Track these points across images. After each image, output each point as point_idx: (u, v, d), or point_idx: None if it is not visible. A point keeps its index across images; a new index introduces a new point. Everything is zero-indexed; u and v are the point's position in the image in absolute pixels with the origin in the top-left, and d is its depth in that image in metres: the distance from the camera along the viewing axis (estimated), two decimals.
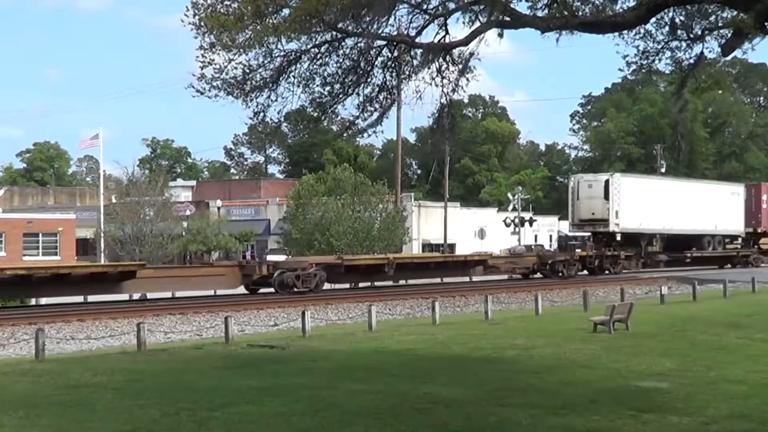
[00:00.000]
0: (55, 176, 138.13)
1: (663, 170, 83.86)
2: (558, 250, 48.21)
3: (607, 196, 47.31)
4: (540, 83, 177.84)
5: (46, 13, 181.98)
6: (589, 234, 53.33)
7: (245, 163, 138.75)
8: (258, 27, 14.04)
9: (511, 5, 14.51)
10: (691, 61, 15.97)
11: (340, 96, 15.36)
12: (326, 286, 36.62)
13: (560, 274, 44.41)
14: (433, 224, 73.95)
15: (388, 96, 15.78)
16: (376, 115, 15.74)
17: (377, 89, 15.56)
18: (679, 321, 25.41)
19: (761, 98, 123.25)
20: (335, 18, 14.14)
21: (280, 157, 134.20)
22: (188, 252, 67.18)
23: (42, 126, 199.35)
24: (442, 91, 15.66)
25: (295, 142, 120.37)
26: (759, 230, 57.30)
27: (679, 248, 52.25)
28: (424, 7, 14.85)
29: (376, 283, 40.05)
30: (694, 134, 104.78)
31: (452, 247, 72.03)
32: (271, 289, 34.65)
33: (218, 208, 76.75)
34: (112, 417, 12.81)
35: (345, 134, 18.43)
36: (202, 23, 14.16)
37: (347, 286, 39.52)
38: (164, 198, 68.64)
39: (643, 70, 17.44)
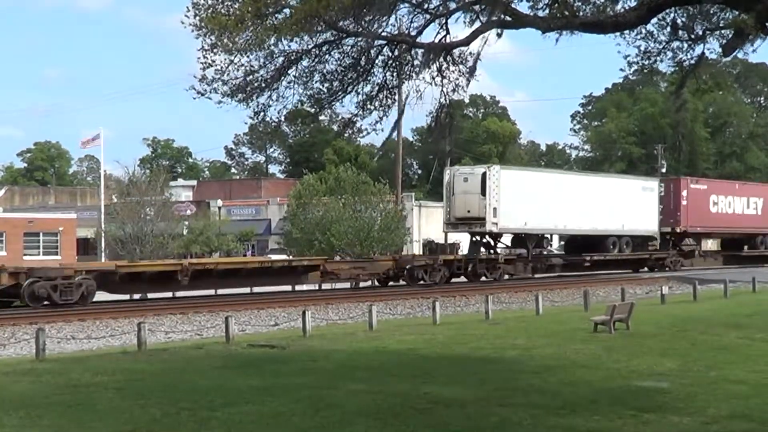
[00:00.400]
0: (55, 176, 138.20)
1: (664, 170, 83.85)
2: (429, 253, 41.41)
3: (484, 192, 40.88)
4: (541, 83, 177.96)
5: (46, 13, 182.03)
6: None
7: (246, 162, 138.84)
8: (258, 28, 14.04)
9: (512, 5, 14.51)
10: (692, 61, 15.98)
11: (339, 93, 15.37)
12: (99, 297, 30.62)
13: (421, 281, 38.45)
14: (433, 224, 73.87)
15: (389, 95, 15.79)
16: (377, 114, 15.76)
17: (377, 88, 15.57)
18: (679, 321, 25.40)
19: (761, 98, 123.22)
20: (336, 17, 14.14)
21: (280, 156, 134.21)
22: (190, 252, 67.19)
23: (43, 126, 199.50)
24: (442, 90, 15.67)
25: (296, 142, 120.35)
26: (678, 230, 51.05)
27: (580, 250, 46.81)
28: (425, 6, 14.85)
29: (361, 285, 38.42)
30: (695, 134, 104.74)
31: (453, 247, 71.89)
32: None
33: (219, 208, 76.78)
34: (113, 417, 12.81)
35: (345, 133, 18.45)
36: (203, 24, 14.16)
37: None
38: (165, 198, 68.68)
39: (645, 71, 17.46)
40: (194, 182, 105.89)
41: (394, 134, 16.50)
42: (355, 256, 52.63)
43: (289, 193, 69.10)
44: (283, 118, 16.13)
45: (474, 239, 42.74)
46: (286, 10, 14.20)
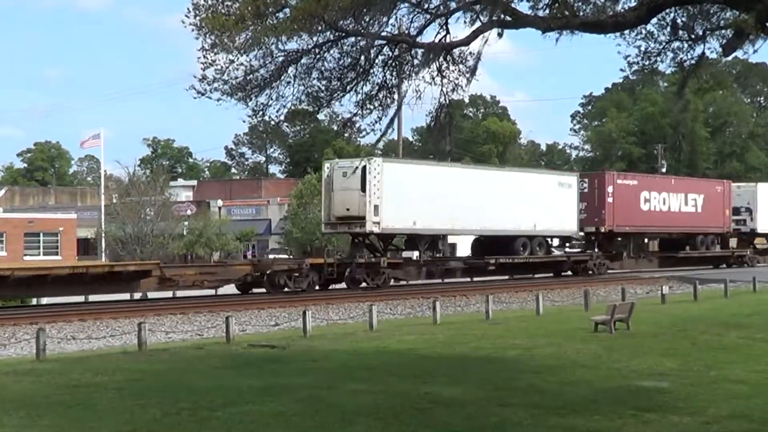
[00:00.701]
0: (55, 176, 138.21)
1: (664, 170, 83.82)
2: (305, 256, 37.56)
3: (364, 188, 36.24)
4: (541, 83, 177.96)
5: (46, 13, 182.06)
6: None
7: (246, 162, 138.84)
8: (258, 28, 14.05)
9: (513, 5, 14.52)
10: (693, 61, 15.98)
11: (338, 92, 15.37)
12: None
13: (285, 288, 34.73)
14: None
15: (388, 95, 15.79)
16: (377, 114, 15.75)
17: (377, 88, 15.57)
18: (680, 321, 25.40)
19: (761, 98, 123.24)
20: (336, 17, 14.15)
21: (280, 156, 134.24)
22: (190, 252, 67.21)
23: (43, 126, 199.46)
24: (442, 90, 15.67)
25: (296, 142, 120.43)
26: (603, 229, 46.40)
27: (489, 253, 42.13)
28: (425, 6, 14.85)
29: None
30: (695, 134, 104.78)
31: (453, 246, 71.91)
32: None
33: (219, 208, 76.80)
34: (113, 417, 12.82)
35: (345, 132, 18.48)
36: (203, 24, 14.18)
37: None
38: (165, 198, 68.69)
39: (645, 71, 17.46)
40: (194, 182, 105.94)
41: (390, 131, 16.40)
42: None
43: (291, 193, 69.16)
44: (283, 118, 16.13)
45: (356, 240, 38.33)
46: (286, 10, 14.21)
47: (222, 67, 14.59)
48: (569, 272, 45.93)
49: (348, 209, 36.93)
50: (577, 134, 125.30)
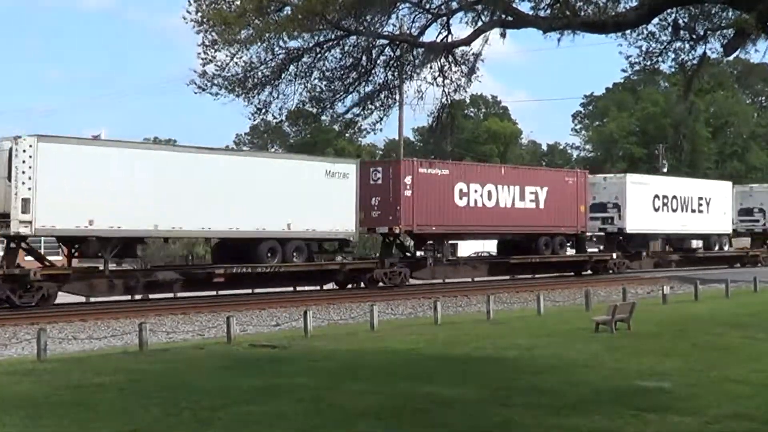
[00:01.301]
0: None
1: (665, 170, 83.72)
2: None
3: (11, 177, 27.85)
4: (542, 83, 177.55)
5: (46, 13, 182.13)
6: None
7: None
8: (260, 23, 14.08)
9: (514, 5, 14.53)
10: (694, 62, 15.99)
11: (340, 93, 15.40)
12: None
13: None
14: None
15: (390, 95, 15.81)
16: (378, 114, 15.78)
17: (379, 88, 15.58)
18: (681, 321, 25.40)
19: (762, 98, 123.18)
20: (337, 16, 14.17)
21: None
22: (190, 253, 67.10)
23: (43, 126, 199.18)
24: (444, 91, 15.69)
25: (297, 142, 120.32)
26: (398, 230, 37.53)
27: (233, 260, 33.32)
28: (427, 6, 14.87)
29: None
30: (697, 134, 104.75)
31: (455, 246, 71.86)
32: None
33: None
34: (114, 417, 12.82)
35: (347, 133, 18.53)
36: (204, 20, 14.21)
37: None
38: None
39: (647, 71, 17.48)
40: None
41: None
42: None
43: None
44: (284, 118, 16.17)
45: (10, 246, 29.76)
46: (287, 8, 14.24)
47: (223, 63, 14.64)
48: (336, 285, 37.27)
49: None
50: (578, 134, 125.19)
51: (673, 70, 17.11)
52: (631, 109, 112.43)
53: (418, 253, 41.36)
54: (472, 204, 40.16)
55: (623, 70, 18.48)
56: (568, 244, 46.23)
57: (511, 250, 43.82)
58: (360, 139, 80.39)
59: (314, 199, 34.30)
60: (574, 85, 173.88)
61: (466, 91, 16.18)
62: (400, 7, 14.76)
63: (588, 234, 46.92)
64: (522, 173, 44.44)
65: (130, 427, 12.25)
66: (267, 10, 14.11)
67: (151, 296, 33.34)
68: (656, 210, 49.68)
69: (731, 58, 17.65)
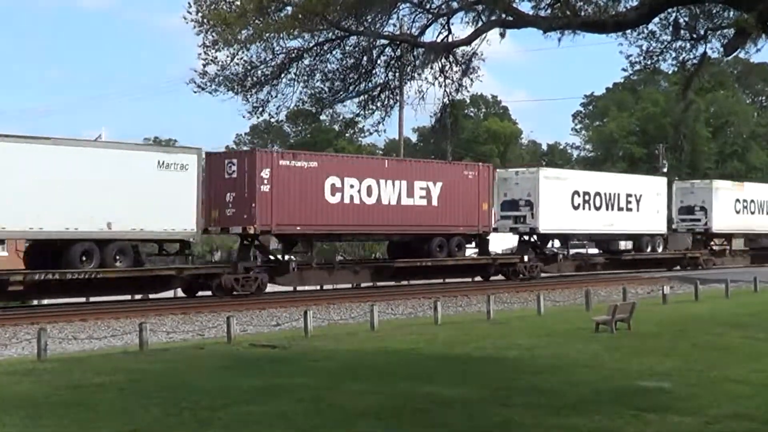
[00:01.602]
0: None
1: (665, 170, 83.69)
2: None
3: None
4: (542, 83, 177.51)
5: (46, 13, 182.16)
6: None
7: None
8: (260, 23, 14.10)
9: (514, 5, 14.54)
10: (695, 61, 15.99)
11: (341, 93, 15.41)
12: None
13: None
14: None
15: (390, 95, 15.82)
16: (379, 114, 15.80)
17: (379, 88, 15.59)
18: (681, 321, 25.40)
19: (762, 98, 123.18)
20: (338, 16, 14.18)
21: None
22: (191, 253, 67.02)
23: (43, 126, 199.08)
24: (445, 90, 15.70)
25: (297, 142, 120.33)
26: (253, 230, 32.90)
27: (46, 265, 28.78)
28: (427, 6, 14.88)
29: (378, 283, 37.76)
30: (697, 134, 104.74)
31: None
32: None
33: None
34: (114, 417, 12.82)
35: (347, 133, 18.55)
36: (205, 20, 14.23)
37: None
38: None
39: (647, 70, 17.48)
40: None
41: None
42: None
43: None
44: (284, 117, 16.22)
45: None
46: (288, 8, 14.25)
47: (223, 63, 14.67)
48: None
49: None
50: (578, 134, 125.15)
51: (673, 69, 17.12)
52: (631, 108, 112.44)
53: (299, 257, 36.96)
54: (347, 200, 35.52)
55: (624, 70, 18.57)
56: (472, 246, 42.63)
57: (402, 253, 39.19)
58: (360, 139, 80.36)
59: (143, 194, 29.92)
60: (574, 85, 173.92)
61: (468, 91, 16.21)
62: (401, 7, 14.78)
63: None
64: (409, 166, 39.19)
65: (130, 427, 12.24)
66: (267, 10, 14.12)
67: (151, 296, 33.40)
68: (576, 208, 44.53)
69: (731, 57, 17.66)
